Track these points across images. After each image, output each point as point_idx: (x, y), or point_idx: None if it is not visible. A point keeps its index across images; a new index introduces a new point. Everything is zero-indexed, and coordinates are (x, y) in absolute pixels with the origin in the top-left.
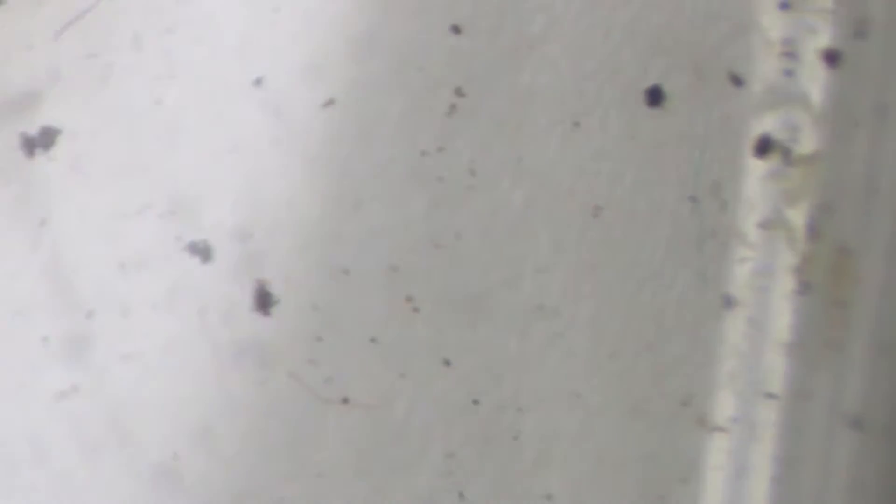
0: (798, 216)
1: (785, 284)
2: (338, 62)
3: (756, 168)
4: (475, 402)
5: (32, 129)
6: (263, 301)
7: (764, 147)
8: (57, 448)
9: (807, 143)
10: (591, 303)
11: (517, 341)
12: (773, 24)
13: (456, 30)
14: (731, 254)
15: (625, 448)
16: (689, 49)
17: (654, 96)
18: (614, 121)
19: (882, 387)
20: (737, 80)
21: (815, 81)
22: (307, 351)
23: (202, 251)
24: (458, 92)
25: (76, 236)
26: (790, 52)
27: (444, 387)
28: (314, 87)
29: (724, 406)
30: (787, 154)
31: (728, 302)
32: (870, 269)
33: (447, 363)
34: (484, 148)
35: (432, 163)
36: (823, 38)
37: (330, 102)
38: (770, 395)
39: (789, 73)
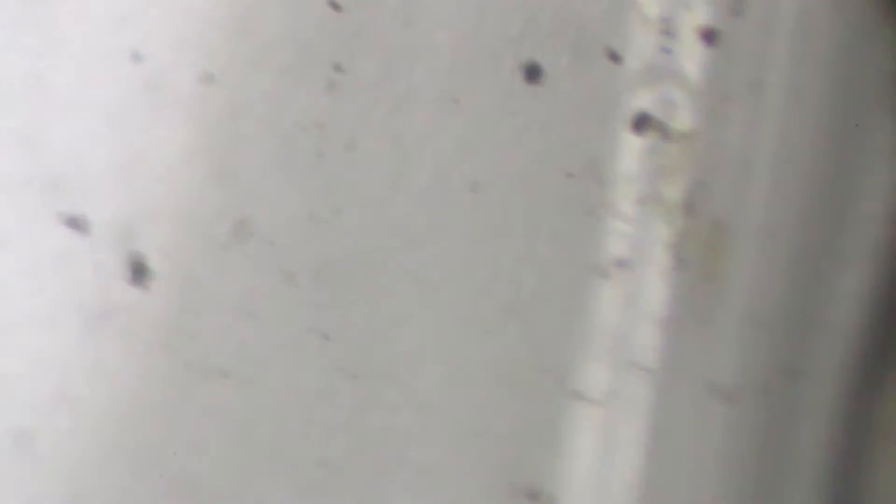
0: (674, 192)
1: (660, 260)
2: (215, 37)
3: (633, 144)
4: (354, 376)
5: None
6: (140, 274)
7: (641, 123)
8: None
9: (683, 119)
10: (468, 277)
11: (395, 315)
12: (651, 1)
13: (334, 6)
14: (607, 229)
15: (498, 421)
16: (567, 25)
17: (532, 73)
18: (493, 97)
19: (753, 360)
20: (614, 57)
21: (691, 58)
22: (184, 324)
23: (79, 225)
24: (337, 68)
25: None
26: (667, 30)
27: (323, 361)
28: (192, 62)
29: (598, 379)
30: (664, 130)
31: (604, 276)
32: (743, 244)
33: (326, 337)
34: (363, 124)
35: (311, 138)
36: (700, 16)
37: (207, 77)
38: (643, 369)
39: (666, 50)
